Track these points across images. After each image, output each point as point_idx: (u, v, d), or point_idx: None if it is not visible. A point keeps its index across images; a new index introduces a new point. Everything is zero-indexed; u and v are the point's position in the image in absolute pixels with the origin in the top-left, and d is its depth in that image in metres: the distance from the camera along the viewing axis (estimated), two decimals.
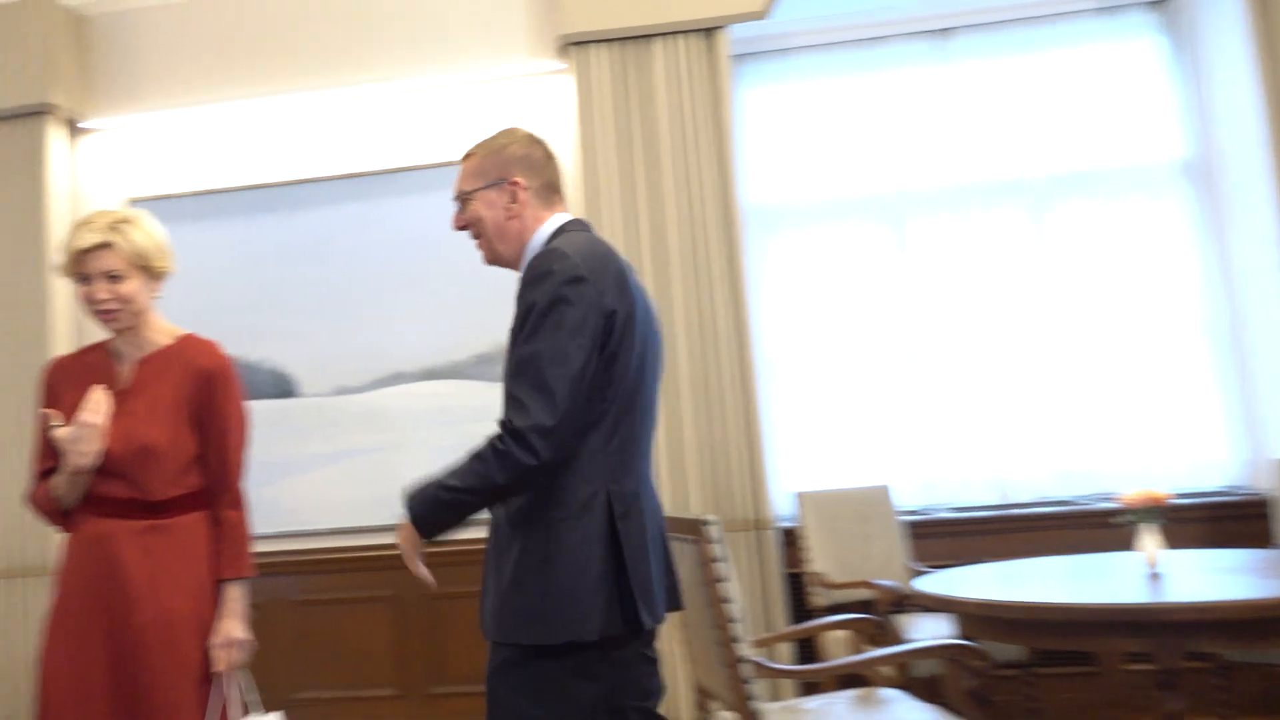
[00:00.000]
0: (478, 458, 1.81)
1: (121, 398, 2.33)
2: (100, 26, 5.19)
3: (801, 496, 4.24)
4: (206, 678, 2.27)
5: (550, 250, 1.90)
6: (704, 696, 2.61)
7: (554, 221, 2.04)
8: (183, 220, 5.02)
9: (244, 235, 5.02)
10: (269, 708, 2.43)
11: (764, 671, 2.41)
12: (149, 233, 2.37)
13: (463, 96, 4.87)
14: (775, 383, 4.72)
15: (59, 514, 2.36)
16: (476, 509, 1.83)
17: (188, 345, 2.43)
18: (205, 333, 4.94)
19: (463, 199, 2.08)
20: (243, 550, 2.38)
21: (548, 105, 4.80)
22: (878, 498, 4.32)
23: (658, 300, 4.46)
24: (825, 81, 4.88)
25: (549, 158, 2.10)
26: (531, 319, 1.83)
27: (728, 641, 2.24)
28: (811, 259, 4.82)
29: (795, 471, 4.63)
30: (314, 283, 4.93)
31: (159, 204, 5.03)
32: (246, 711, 2.34)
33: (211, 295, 4.97)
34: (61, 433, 2.21)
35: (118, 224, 2.32)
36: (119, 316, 2.32)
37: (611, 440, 1.88)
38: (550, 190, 2.07)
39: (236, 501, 2.40)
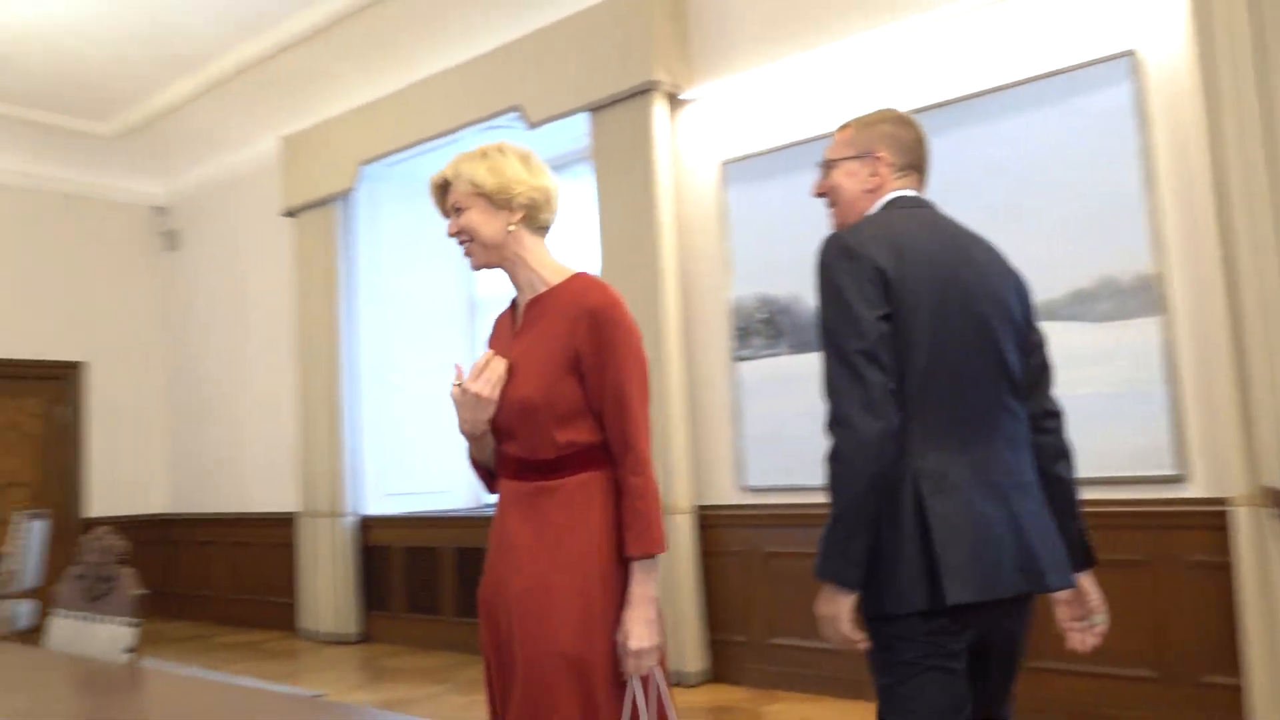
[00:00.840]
0: (829, 478, 1.81)
1: (514, 346, 2.12)
2: (695, 2, 5.49)
3: None
4: (587, 665, 1.91)
5: (828, 239, 1.95)
6: None
7: (886, 197, 2.05)
8: (770, 177, 5.15)
9: None
10: None
11: None
12: (494, 161, 2.09)
13: (1044, 5, 4.29)
14: None
15: (483, 474, 2.24)
16: (863, 520, 1.79)
17: (574, 284, 2.10)
18: (790, 287, 5.20)
19: (827, 166, 2.12)
20: (649, 522, 1.95)
21: None
22: None
23: None
24: None
25: (919, 141, 2.11)
26: (822, 307, 1.90)
27: None
28: None
29: None
30: None
31: (749, 163, 5.23)
32: None
33: (801, 249, 5.02)
34: (453, 393, 2.10)
35: (462, 159, 2.12)
36: (471, 251, 2.12)
37: (914, 417, 1.83)
38: (912, 170, 2.08)
39: (640, 465, 1.98)
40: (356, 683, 5.58)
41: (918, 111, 4.65)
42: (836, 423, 1.81)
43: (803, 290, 4.99)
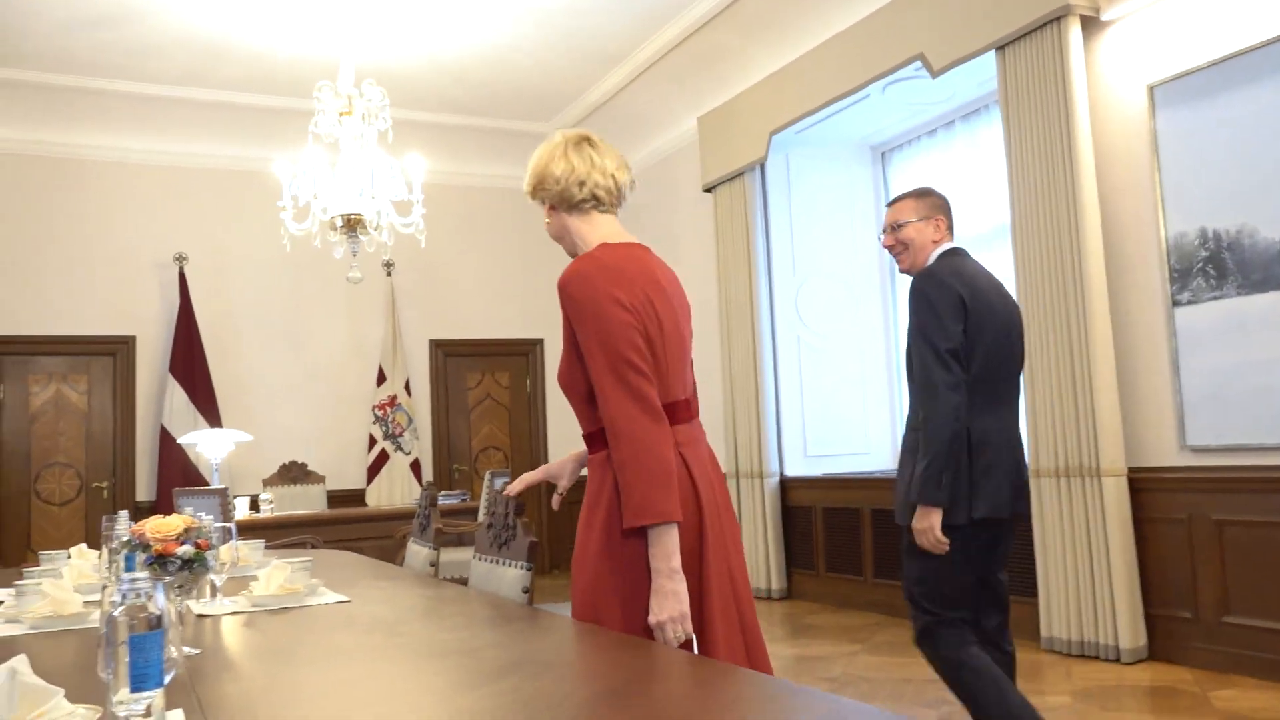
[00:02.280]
0: (925, 432, 2.81)
1: None
2: None
3: None
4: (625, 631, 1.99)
5: (922, 274, 2.98)
6: None
7: (942, 248, 3.06)
8: (1208, 95, 4.53)
9: None
10: None
11: None
12: (532, 162, 2.24)
13: None
14: None
15: None
16: (949, 460, 2.79)
17: None
18: (1238, 218, 4.50)
19: (898, 226, 3.09)
20: (628, 494, 1.95)
21: None
22: None
23: None
24: None
25: (950, 206, 3.13)
26: (918, 317, 2.91)
27: None
28: None
29: None
30: None
31: (1182, 83, 4.64)
32: None
33: (1252, 172, 4.36)
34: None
35: None
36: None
37: (972, 397, 2.85)
38: (952, 229, 3.11)
39: (614, 439, 1.98)
40: (779, 636, 5.77)
41: None
42: (931, 395, 2.81)
43: (1255, 220, 4.34)
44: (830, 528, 6.74)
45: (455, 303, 9.19)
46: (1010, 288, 5.52)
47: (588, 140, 2.20)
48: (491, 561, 2.67)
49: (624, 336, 1.98)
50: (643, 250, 2.16)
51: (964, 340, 2.82)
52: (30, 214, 7.87)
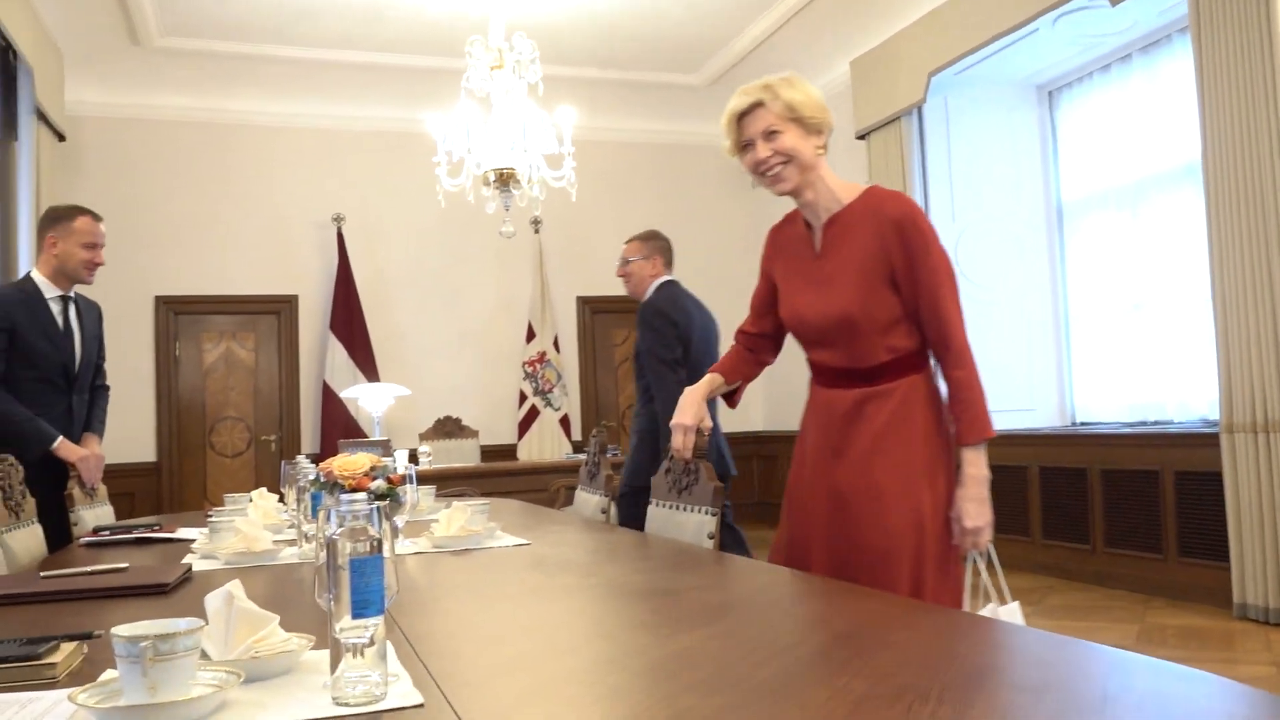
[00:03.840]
0: (665, 422, 3.20)
1: (817, 265, 2.22)
2: None
3: None
4: (920, 550, 2.05)
5: (645, 306, 4.22)
6: None
7: (659, 280, 4.29)
8: None
9: None
10: None
11: None
12: (802, 87, 2.16)
13: None
14: None
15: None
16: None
17: (872, 198, 2.17)
18: None
19: (627, 262, 4.37)
20: (976, 412, 2.10)
21: None
22: None
23: None
24: None
25: (671, 248, 4.42)
26: (646, 340, 4.13)
27: None
28: None
29: None
30: None
31: None
32: (988, 597, 2.11)
33: None
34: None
35: (769, 85, 2.17)
36: (783, 174, 2.15)
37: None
38: (670, 264, 4.38)
39: (961, 359, 2.11)
40: None
41: None
42: (666, 394, 3.91)
43: None
44: (994, 486, 6.44)
45: (601, 259, 9.13)
46: (1200, 229, 5.16)
47: None
48: (670, 507, 2.61)
49: (953, 269, 2.15)
50: None
51: (679, 350, 3.99)
52: (198, 179, 8.17)
